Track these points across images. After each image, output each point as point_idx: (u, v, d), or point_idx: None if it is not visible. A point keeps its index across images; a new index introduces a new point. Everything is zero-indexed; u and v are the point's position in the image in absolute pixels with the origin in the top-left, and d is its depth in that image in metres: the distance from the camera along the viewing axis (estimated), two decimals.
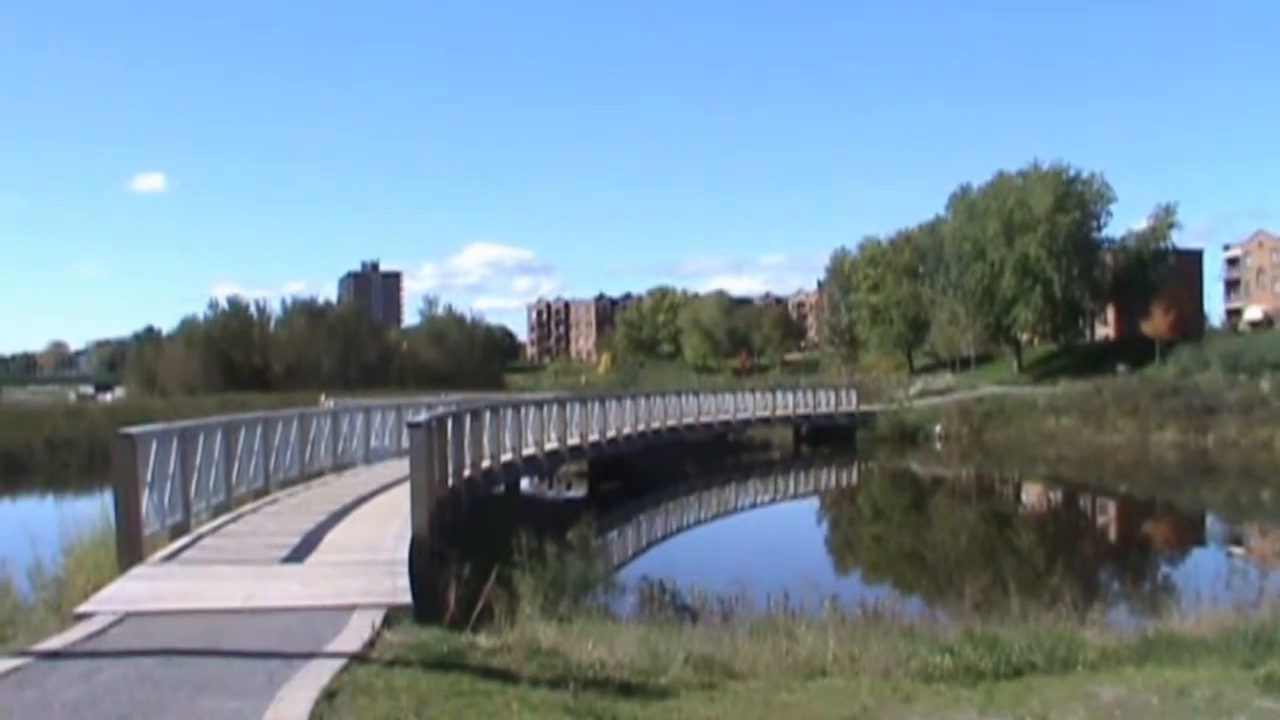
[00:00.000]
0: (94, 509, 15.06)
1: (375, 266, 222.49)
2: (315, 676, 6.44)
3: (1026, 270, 75.90)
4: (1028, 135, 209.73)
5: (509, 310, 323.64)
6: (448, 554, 10.95)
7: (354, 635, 7.60)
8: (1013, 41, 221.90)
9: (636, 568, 19.04)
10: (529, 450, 24.90)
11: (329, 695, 6.07)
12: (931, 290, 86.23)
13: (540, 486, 31.99)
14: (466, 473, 18.61)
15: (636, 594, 14.36)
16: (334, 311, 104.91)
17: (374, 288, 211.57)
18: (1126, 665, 8.48)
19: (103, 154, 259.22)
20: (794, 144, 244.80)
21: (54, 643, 7.51)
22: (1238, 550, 23.85)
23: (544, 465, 26.88)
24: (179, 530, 12.37)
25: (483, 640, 7.99)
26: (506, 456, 22.83)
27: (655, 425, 37.05)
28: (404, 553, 11.12)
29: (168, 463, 12.07)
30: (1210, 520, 30.79)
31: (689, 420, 41.05)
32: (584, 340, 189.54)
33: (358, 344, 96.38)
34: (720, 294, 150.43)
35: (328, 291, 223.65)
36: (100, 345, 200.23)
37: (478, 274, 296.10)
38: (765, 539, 26.85)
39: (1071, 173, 79.10)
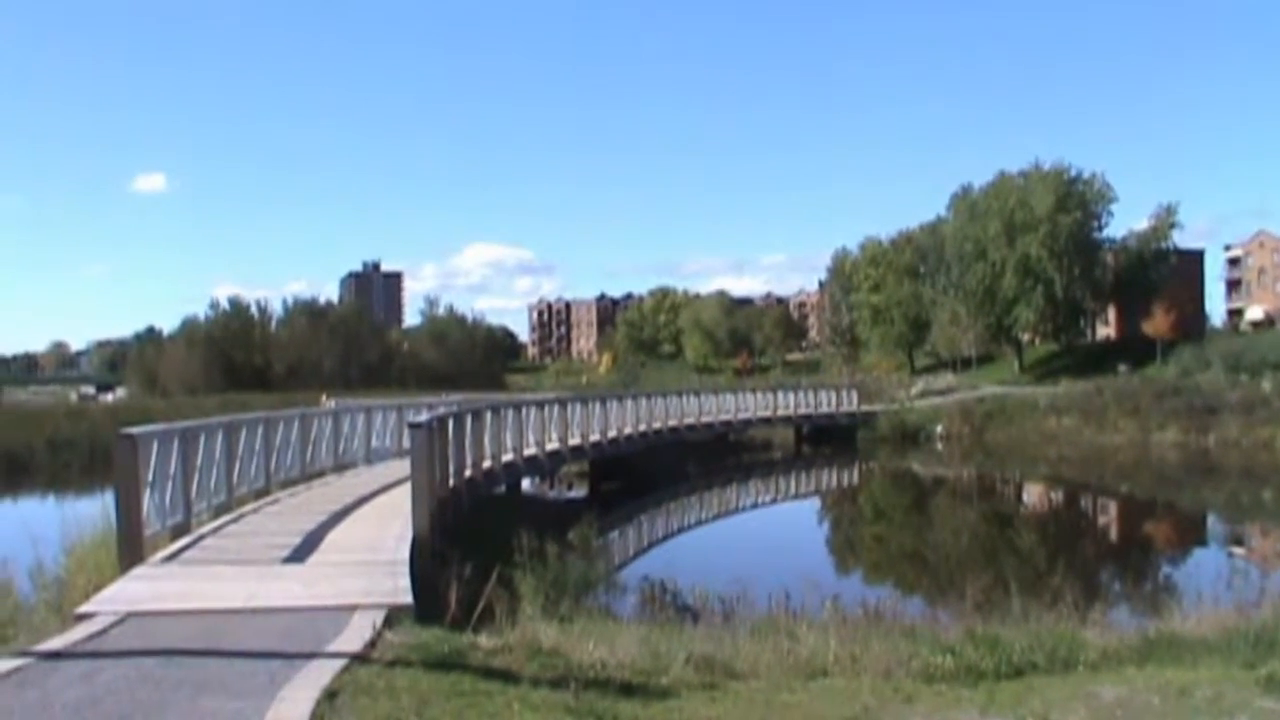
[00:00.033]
0: (95, 509, 15.08)
1: (376, 267, 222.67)
2: (316, 677, 6.44)
3: (1028, 270, 75.88)
4: (1029, 135, 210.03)
5: (510, 310, 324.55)
6: (449, 554, 10.95)
7: (355, 635, 7.60)
8: (1013, 42, 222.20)
9: (638, 568, 19.04)
10: (530, 450, 24.90)
11: (330, 695, 6.07)
12: (933, 290, 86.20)
13: (541, 487, 32.00)
14: (467, 473, 18.62)
15: (638, 594, 14.35)
16: (335, 312, 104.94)
17: (375, 288, 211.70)
18: (1128, 665, 8.47)
19: (104, 155, 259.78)
20: (795, 144, 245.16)
21: (55, 643, 7.52)
22: (1239, 550, 23.84)
23: (545, 465, 26.88)
24: (180, 530, 12.38)
25: (484, 640, 7.99)
26: (507, 457, 22.83)
27: (656, 425, 37.04)
28: (405, 553, 11.12)
29: (169, 463, 12.07)
30: (1211, 520, 30.78)
31: (690, 420, 41.03)
32: (585, 340, 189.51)
33: (359, 344, 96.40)
34: (721, 294, 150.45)
35: (329, 292, 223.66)
36: (101, 345, 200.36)
37: (479, 274, 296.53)
38: (766, 539, 26.85)
39: (1073, 173, 79.13)
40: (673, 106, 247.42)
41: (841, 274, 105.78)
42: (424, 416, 15.32)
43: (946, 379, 73.25)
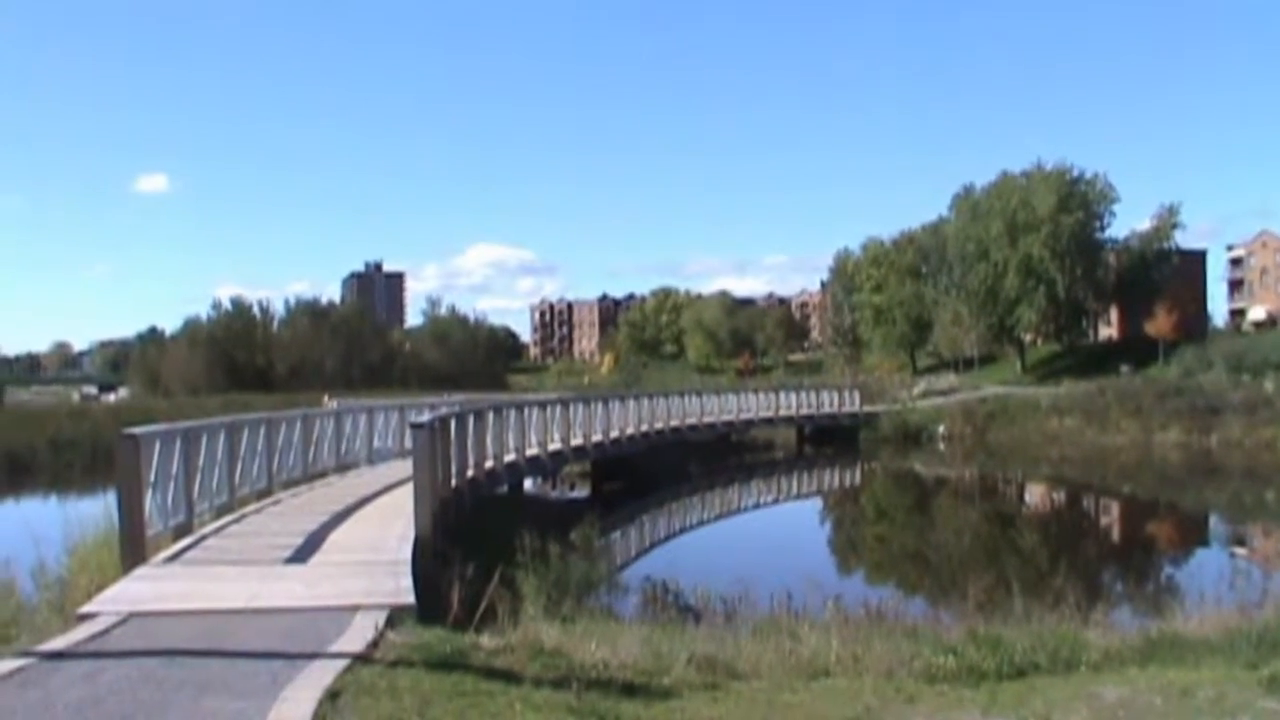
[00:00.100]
0: (97, 509, 15.11)
1: (378, 267, 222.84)
2: (318, 677, 6.44)
3: (1030, 270, 75.83)
4: (1031, 136, 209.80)
5: (512, 311, 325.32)
6: (451, 554, 10.96)
7: (357, 635, 7.61)
8: (1015, 42, 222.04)
9: (640, 568, 19.04)
10: (532, 451, 24.90)
11: (332, 696, 6.07)
12: (934, 290, 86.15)
13: (543, 487, 32.00)
14: (470, 473, 18.62)
15: (640, 594, 14.36)
16: (337, 312, 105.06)
17: (377, 288, 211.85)
18: (1130, 666, 8.47)
19: (106, 155, 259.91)
20: (796, 144, 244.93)
21: (57, 643, 7.53)
22: (1241, 551, 23.83)
23: (547, 466, 26.88)
24: (182, 531, 12.39)
25: (486, 640, 7.99)
26: (510, 457, 22.82)
27: (658, 426, 37.04)
28: (407, 553, 11.13)
29: (171, 463, 12.08)
30: (1214, 521, 30.76)
31: (692, 421, 41.02)
32: (587, 341, 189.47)
33: (361, 344, 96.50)
34: (723, 294, 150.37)
35: (331, 292, 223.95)
36: (104, 346, 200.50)
37: (481, 274, 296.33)
38: (768, 539, 26.84)
39: (1075, 173, 79.04)
40: (674, 107, 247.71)
41: (843, 274, 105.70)
42: (426, 417, 15.32)
43: (948, 379, 73.24)
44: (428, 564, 11.29)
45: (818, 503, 37.61)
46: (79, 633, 7.86)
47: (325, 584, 9.64)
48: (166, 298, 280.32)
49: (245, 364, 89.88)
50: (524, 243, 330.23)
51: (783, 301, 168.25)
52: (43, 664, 6.92)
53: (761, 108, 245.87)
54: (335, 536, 12.80)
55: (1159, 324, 73.82)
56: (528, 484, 27.82)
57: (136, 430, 11.48)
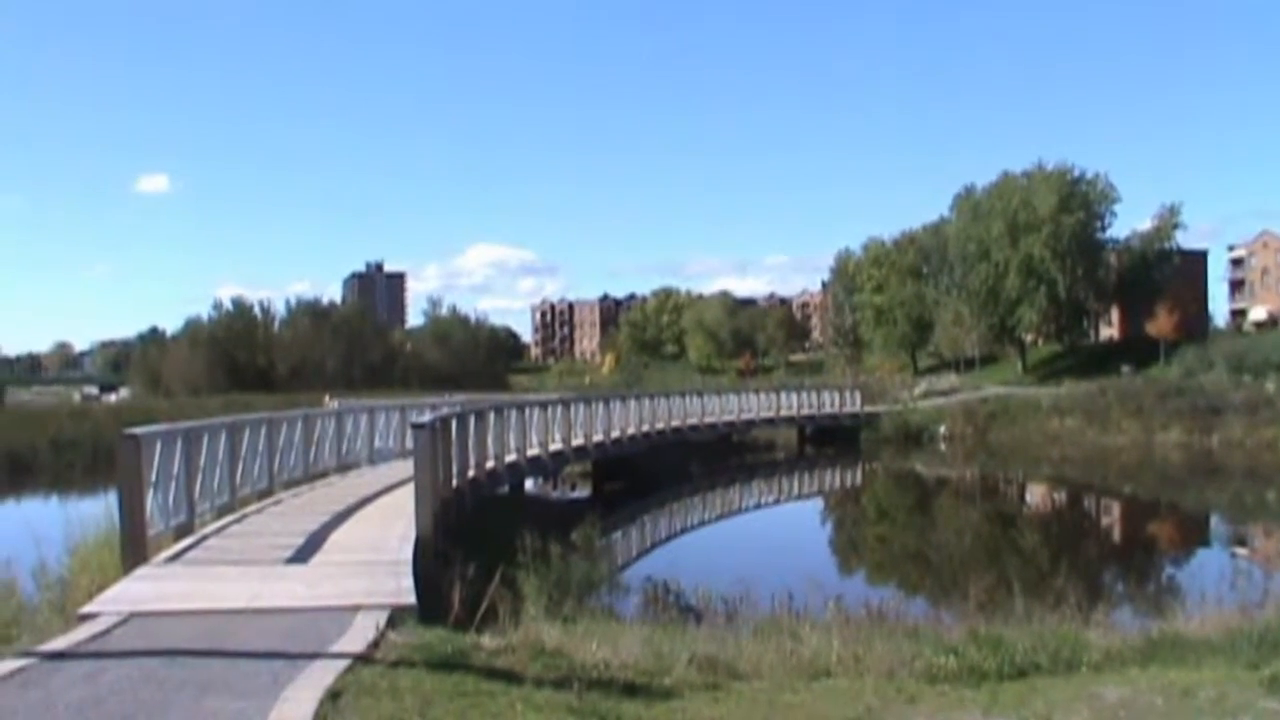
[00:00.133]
0: (98, 509, 15.11)
1: (379, 267, 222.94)
2: (319, 677, 6.45)
3: (1031, 271, 75.81)
4: (1032, 136, 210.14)
5: (513, 311, 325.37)
6: (452, 554, 10.96)
7: (358, 636, 7.61)
8: (1016, 43, 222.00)
9: (641, 568, 19.04)
10: (533, 451, 24.90)
11: (333, 696, 6.08)
12: (936, 291, 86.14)
13: (545, 487, 32.00)
14: (471, 473, 18.62)
15: (641, 594, 14.37)
16: (338, 312, 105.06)
17: (378, 288, 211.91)
18: (1131, 666, 8.46)
19: (107, 156, 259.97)
20: (797, 144, 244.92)
21: (58, 643, 7.53)
22: (1242, 551, 23.83)
23: (548, 466, 26.88)
24: (183, 531, 12.39)
25: (487, 641, 7.99)
26: (511, 457, 22.82)
27: (659, 426, 37.04)
28: (408, 553, 11.13)
29: (172, 463, 12.09)
30: (1215, 521, 30.74)
31: (693, 421, 41.02)
32: (588, 341, 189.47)
33: (362, 345, 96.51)
34: (724, 295, 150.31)
35: (332, 292, 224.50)
36: (105, 346, 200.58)
37: (482, 275, 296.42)
38: (769, 539, 26.84)
39: (1076, 173, 78.98)
40: (675, 107, 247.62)
41: (844, 274, 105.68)
42: (427, 417, 15.32)
43: (949, 379, 73.26)
44: (429, 564, 11.30)
45: (819, 503, 37.60)
46: (80, 633, 7.86)
47: (326, 584, 9.64)
48: (167, 298, 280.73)
49: (246, 364, 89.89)
50: (525, 243, 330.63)
51: (784, 302, 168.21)
52: (44, 664, 6.92)
53: (762, 108, 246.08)
54: (336, 536, 12.81)
55: (1160, 324, 73.81)
56: (529, 484, 27.82)
57: (138, 430, 11.49)
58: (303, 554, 11.50)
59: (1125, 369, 66.52)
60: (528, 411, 25.12)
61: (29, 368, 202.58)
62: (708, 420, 42.72)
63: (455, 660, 7.16)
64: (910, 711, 7.14)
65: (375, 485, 18.07)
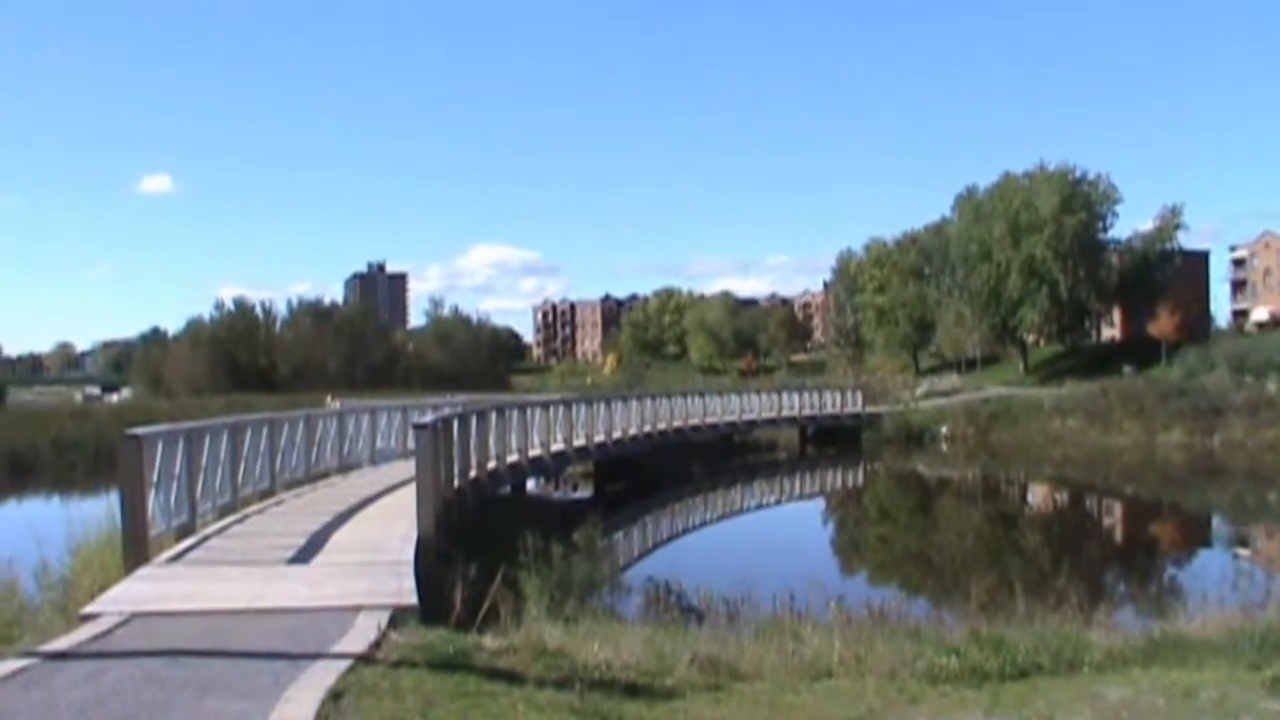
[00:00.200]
0: (100, 510, 15.12)
1: (381, 267, 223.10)
2: (321, 677, 6.45)
3: (1032, 271, 75.77)
4: (1033, 137, 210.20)
5: (515, 311, 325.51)
6: (454, 555, 10.97)
7: (360, 636, 7.61)
8: (1017, 44, 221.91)
9: (642, 569, 19.04)
10: (535, 451, 24.90)
11: (335, 696, 6.08)
12: (937, 291, 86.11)
13: (546, 487, 31.97)
14: (472, 474, 18.61)
15: (642, 595, 14.36)
16: (340, 312, 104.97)
17: (380, 289, 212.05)
18: (1132, 667, 8.46)
19: (109, 156, 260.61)
20: (799, 145, 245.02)
21: (60, 643, 7.53)
22: (1244, 552, 23.81)
23: (550, 466, 26.88)
24: (185, 531, 12.40)
25: (488, 641, 8.00)
26: (512, 458, 22.81)
27: (661, 426, 37.02)
28: (410, 554, 11.13)
29: (174, 463, 12.09)
30: (1216, 522, 30.73)
31: (695, 421, 41.00)
32: (590, 341, 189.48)
33: (364, 345, 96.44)
34: (726, 295, 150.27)
35: (333, 292, 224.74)
36: (106, 346, 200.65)
37: (483, 275, 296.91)
38: (771, 540, 26.83)
39: (1077, 174, 78.93)
40: (676, 107, 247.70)
41: (846, 275, 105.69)
42: (429, 417, 15.32)
43: (951, 380, 73.28)
44: (430, 564, 11.30)
45: (820, 503, 37.58)
46: (82, 633, 7.87)
47: (328, 584, 9.64)
48: (169, 298, 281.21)
49: (248, 364, 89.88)
50: (527, 243, 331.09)
51: (785, 302, 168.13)
52: (45, 664, 6.92)
53: (763, 108, 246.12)
54: (338, 537, 12.81)
55: (1162, 325, 73.76)
56: (530, 484, 27.81)
57: (139, 430, 11.51)
58: (304, 554, 11.51)
59: (1127, 370, 66.46)
60: (529, 412, 25.12)
61: (30, 368, 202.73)
62: (709, 421, 42.71)
63: (457, 660, 7.17)
64: (912, 712, 7.14)
65: (377, 485, 18.07)
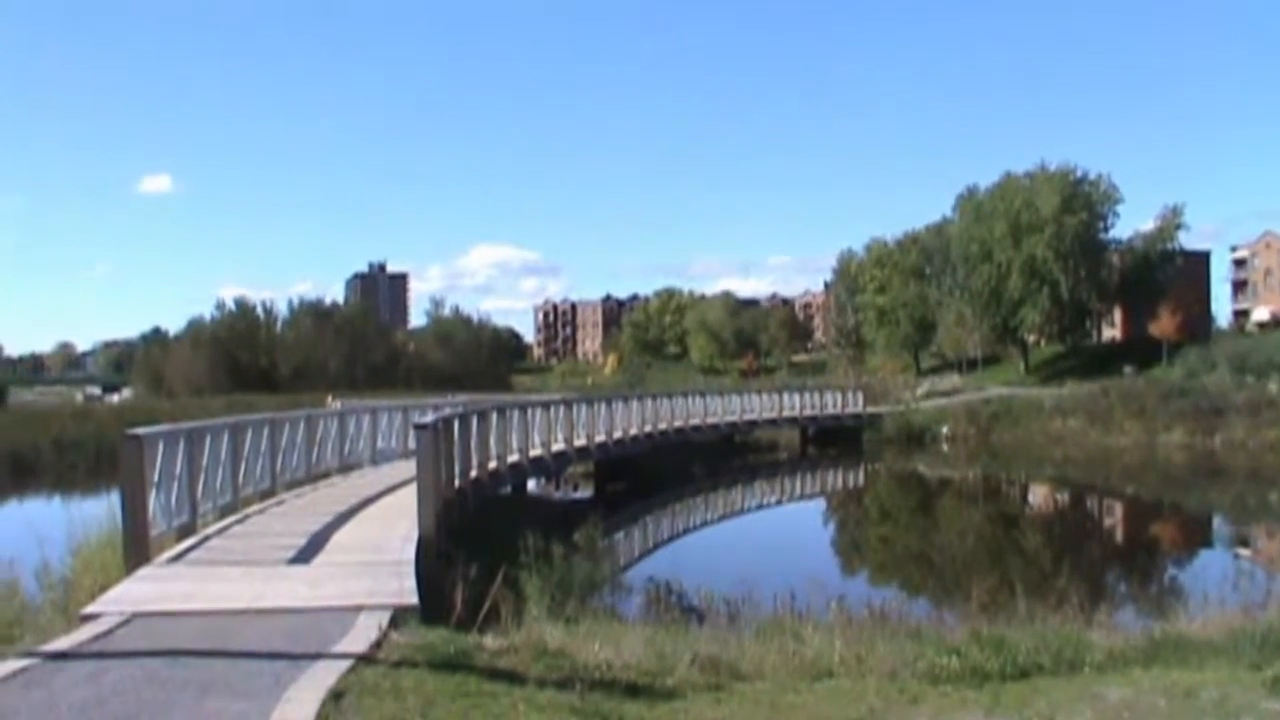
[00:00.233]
0: (101, 510, 15.13)
1: (382, 268, 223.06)
2: (322, 677, 6.45)
3: (1033, 271, 75.74)
4: (1034, 138, 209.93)
5: (516, 311, 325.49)
6: (454, 555, 10.97)
7: (360, 636, 7.61)
8: (1018, 44, 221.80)
9: (643, 569, 19.05)
10: (536, 451, 24.90)
11: (335, 696, 6.08)
12: (938, 291, 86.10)
13: (547, 488, 31.97)
14: (473, 474, 18.61)
15: (643, 595, 14.37)
16: (341, 313, 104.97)
17: (381, 289, 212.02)
18: (1133, 667, 8.45)
19: (110, 156, 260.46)
20: (800, 146, 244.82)
21: (61, 643, 7.54)
22: (1245, 552, 23.80)
23: (551, 466, 26.88)
24: (186, 531, 12.40)
25: (489, 641, 8.00)
26: (513, 458, 22.81)
27: (662, 426, 37.02)
28: (410, 554, 11.13)
29: (175, 464, 12.10)
30: (1217, 522, 30.73)
31: (695, 421, 41.00)
32: (590, 341, 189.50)
33: (364, 345, 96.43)
34: (727, 295, 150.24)
35: (334, 293, 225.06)
36: (107, 346, 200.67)
37: (484, 275, 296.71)
38: (772, 540, 26.82)
39: (1078, 174, 78.88)
40: (678, 108, 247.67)
41: (847, 275, 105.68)
42: (430, 417, 15.33)
43: (952, 380, 73.27)
44: (431, 564, 11.30)
45: (821, 504, 37.57)
46: (83, 633, 7.87)
47: (329, 584, 9.65)
48: (170, 298, 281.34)
49: (249, 364, 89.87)
50: (528, 243, 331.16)
51: (786, 302, 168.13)
52: (46, 664, 6.93)
53: (765, 109, 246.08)
54: (339, 537, 12.81)
55: (1163, 325, 73.74)
56: (531, 485, 27.82)
57: (140, 431, 11.52)
58: (305, 554, 11.51)
59: (1128, 370, 66.43)
60: (530, 412, 25.12)
61: (32, 368, 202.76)
62: (710, 421, 42.71)
63: (458, 661, 7.17)
64: (913, 712, 7.14)
65: (378, 485, 18.07)
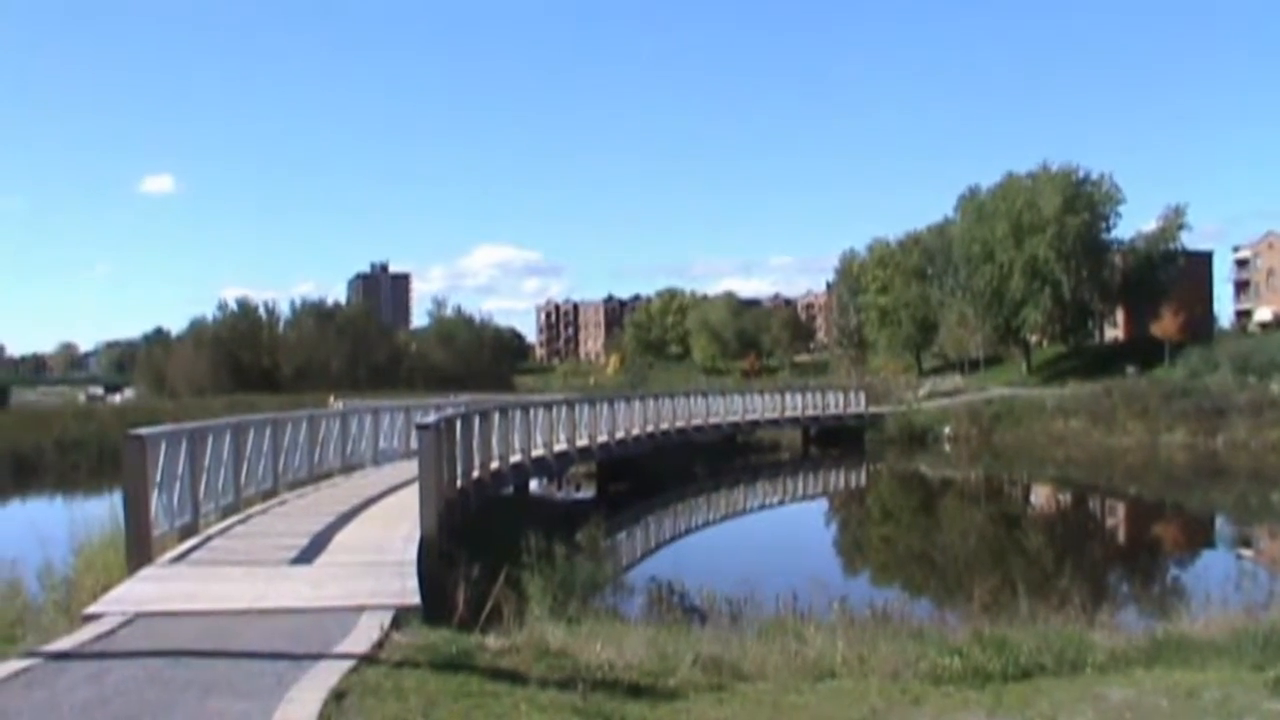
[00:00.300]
0: (103, 510, 15.14)
1: (384, 268, 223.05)
2: (324, 678, 6.45)
3: (1035, 272, 75.68)
4: (1036, 138, 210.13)
5: (518, 311, 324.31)
6: (456, 555, 10.97)
7: (362, 636, 7.62)
8: (1020, 44, 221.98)
9: (645, 569, 19.04)
10: (538, 452, 24.89)
11: (337, 696, 6.08)
12: (940, 292, 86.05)
13: (549, 488, 31.97)
14: (475, 474, 18.60)
15: (645, 595, 14.36)
16: (343, 313, 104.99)
17: (383, 289, 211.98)
18: (1135, 667, 8.45)
19: (112, 157, 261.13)
20: (803, 146, 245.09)
21: (63, 643, 7.54)
22: (1247, 552, 23.77)
23: (553, 467, 26.87)
24: (188, 531, 12.41)
25: (491, 641, 8.00)
26: (515, 458, 22.81)
27: (664, 426, 37.01)
28: (413, 554, 11.14)
29: (177, 464, 12.10)
30: (1220, 522, 30.69)
31: (698, 421, 40.99)
32: (593, 341, 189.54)
33: (367, 345, 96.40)
34: (729, 295, 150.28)
35: (336, 293, 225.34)
36: (110, 346, 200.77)
37: (486, 275, 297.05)
38: (774, 540, 26.81)
39: (1081, 174, 78.81)
40: (680, 109, 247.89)
41: (849, 275, 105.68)
42: (432, 418, 15.32)
43: (954, 380, 73.25)
44: (433, 565, 11.30)
45: (823, 504, 37.55)
46: (85, 633, 7.88)
47: (331, 585, 9.65)
48: (172, 298, 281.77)
49: (251, 365, 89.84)
50: (530, 244, 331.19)
51: (788, 302, 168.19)
52: (49, 664, 6.93)
53: (767, 110, 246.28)
54: (341, 537, 12.82)
55: (1165, 325, 73.70)
56: (533, 485, 27.81)
57: (142, 431, 11.52)
58: (307, 554, 11.52)
59: (1130, 370, 66.35)
60: (532, 412, 25.12)
61: (34, 368, 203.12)
62: (712, 421, 42.71)
63: (460, 661, 7.17)
64: (915, 713, 7.14)
65: (380, 486, 18.08)
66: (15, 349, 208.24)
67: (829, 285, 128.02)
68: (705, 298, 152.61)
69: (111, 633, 7.88)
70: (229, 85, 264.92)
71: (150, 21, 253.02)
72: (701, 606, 12.57)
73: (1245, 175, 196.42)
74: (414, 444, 16.63)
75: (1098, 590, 16.19)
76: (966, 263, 79.59)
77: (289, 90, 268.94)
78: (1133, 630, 10.67)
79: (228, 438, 14.32)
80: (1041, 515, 33.04)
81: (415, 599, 8.97)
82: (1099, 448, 48.21)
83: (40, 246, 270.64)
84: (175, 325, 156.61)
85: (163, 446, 11.68)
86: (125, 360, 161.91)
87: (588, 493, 33.11)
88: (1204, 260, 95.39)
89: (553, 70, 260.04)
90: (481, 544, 12.88)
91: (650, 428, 35.46)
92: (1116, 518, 33.29)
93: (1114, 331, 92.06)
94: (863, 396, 55.27)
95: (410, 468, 16.26)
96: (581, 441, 28.52)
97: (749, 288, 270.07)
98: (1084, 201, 76.85)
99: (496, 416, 21.58)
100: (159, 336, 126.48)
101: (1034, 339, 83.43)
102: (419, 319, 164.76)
